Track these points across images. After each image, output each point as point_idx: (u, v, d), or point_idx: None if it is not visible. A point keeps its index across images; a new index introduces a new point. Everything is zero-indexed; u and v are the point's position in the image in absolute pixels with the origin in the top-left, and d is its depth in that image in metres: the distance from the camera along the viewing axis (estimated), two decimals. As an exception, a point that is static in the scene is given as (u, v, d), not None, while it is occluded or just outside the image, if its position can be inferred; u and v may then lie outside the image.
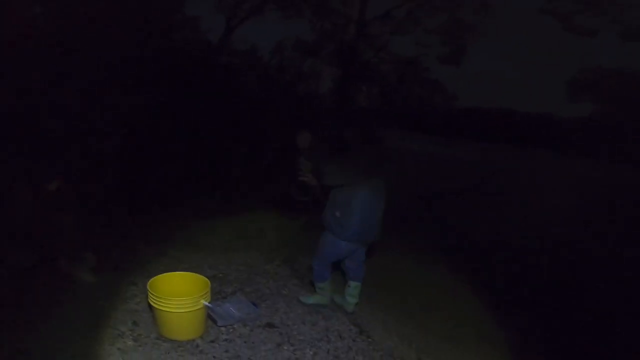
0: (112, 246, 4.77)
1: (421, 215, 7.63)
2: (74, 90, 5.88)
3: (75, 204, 4.36)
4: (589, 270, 5.98)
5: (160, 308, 3.10)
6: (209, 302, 3.34)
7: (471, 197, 8.86)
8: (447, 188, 9.04)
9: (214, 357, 3.10)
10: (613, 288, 5.38)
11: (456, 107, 10.62)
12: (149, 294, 3.19)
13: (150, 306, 3.26)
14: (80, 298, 3.62)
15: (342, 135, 4.13)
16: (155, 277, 3.42)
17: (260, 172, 8.50)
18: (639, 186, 8.73)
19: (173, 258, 4.86)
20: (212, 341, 3.30)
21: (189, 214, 6.48)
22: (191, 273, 3.67)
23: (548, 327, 4.46)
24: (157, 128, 7.33)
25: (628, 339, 4.28)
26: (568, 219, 7.85)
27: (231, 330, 3.51)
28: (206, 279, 3.55)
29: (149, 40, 7.66)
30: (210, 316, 3.52)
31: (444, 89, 9.97)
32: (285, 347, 3.39)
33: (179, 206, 6.69)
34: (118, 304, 3.59)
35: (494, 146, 11.45)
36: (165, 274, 3.55)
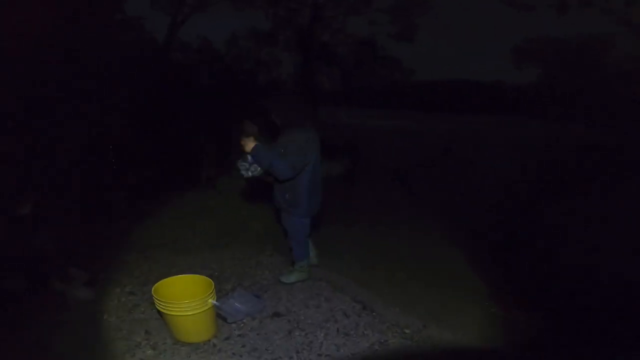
0: (96, 258, 4.60)
1: (398, 189, 7.91)
2: (19, 100, 5.49)
3: (50, 220, 4.16)
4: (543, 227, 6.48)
5: (172, 313, 3.08)
6: (215, 301, 3.35)
7: (441, 168, 9.27)
8: (416, 161, 9.40)
9: (233, 353, 3.14)
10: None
11: (414, 81, 10.98)
12: (156, 300, 3.15)
13: (160, 313, 3.23)
14: (84, 316, 3.51)
15: (271, 120, 4.17)
16: (157, 284, 3.37)
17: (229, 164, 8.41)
18: (585, 143, 9.53)
19: (161, 263, 4.78)
20: (227, 338, 3.34)
21: (166, 216, 6.35)
22: (192, 275, 3.65)
23: (526, 276, 4.84)
24: (119, 131, 7.02)
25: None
26: (526, 180, 8.44)
27: (242, 325, 3.55)
28: (208, 278, 3.55)
29: (92, 43, 7.23)
30: (219, 315, 3.53)
31: (401, 65, 10.26)
32: (297, 333, 3.49)
33: (153, 209, 6.52)
34: (124, 316, 3.52)
35: (454, 116, 12.03)
36: (166, 279, 3.51)
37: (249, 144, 3.87)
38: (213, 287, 3.39)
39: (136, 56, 7.76)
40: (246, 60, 9.16)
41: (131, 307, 3.69)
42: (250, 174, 4.02)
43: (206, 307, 3.19)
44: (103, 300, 3.75)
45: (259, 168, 3.97)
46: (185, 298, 3.28)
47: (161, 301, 3.13)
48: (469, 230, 6.12)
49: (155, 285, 3.34)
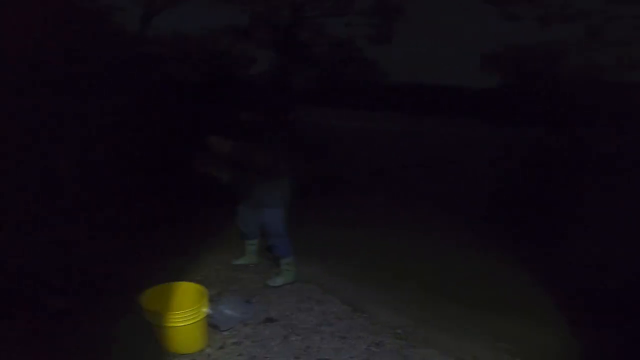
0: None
1: (378, 190, 7.98)
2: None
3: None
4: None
5: (166, 325, 2.92)
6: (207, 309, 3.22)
7: (416, 170, 9.47)
8: (392, 162, 9.56)
9: (231, 362, 3.03)
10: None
11: (388, 83, 11.17)
12: (146, 312, 2.97)
13: (149, 324, 3.04)
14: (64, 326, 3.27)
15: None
16: (144, 292, 3.18)
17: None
18: (546, 146, 10.09)
19: (142, 270, 4.52)
20: (222, 347, 3.22)
21: (136, 225, 5.97)
22: (181, 282, 3.48)
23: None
24: (88, 132, 6.59)
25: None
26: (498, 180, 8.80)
27: (235, 332, 3.44)
28: (199, 285, 3.41)
29: (60, 35, 6.76)
30: (209, 323, 3.39)
31: (376, 67, 10.37)
32: (293, 338, 3.42)
33: (124, 217, 6.14)
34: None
35: (425, 118, 12.38)
36: (154, 287, 3.31)
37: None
38: (206, 295, 3.26)
39: (106, 48, 7.33)
40: (221, 57, 8.92)
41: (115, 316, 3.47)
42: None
43: (200, 317, 3.06)
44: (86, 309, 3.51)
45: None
46: (176, 307, 3.13)
47: (150, 311, 2.96)
48: (454, 229, 6.28)
49: (143, 294, 3.15)
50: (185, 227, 5.89)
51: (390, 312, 3.98)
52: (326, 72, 9.68)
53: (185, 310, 2.96)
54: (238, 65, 9.09)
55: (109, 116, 6.63)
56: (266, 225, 4.40)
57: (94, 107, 6.44)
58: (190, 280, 3.99)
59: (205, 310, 3.12)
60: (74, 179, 5.67)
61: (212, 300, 3.87)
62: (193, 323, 3.01)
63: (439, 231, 6.24)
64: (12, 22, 5.49)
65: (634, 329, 3.64)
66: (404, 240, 5.78)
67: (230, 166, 4.21)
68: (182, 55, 9.04)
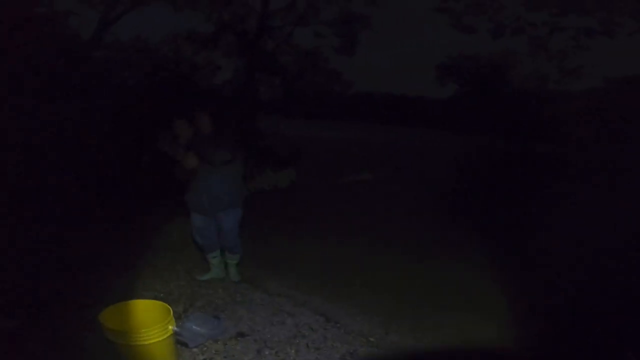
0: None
1: (346, 202, 7.99)
2: None
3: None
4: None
5: (130, 343, 2.71)
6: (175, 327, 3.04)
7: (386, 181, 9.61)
8: (358, 174, 9.66)
9: (202, 381, 2.86)
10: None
11: (351, 93, 11.36)
12: (106, 330, 2.75)
13: (109, 344, 2.81)
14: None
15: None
16: (104, 311, 2.95)
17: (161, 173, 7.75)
18: (504, 155, 10.61)
19: (97, 285, 4.22)
20: (192, 365, 3.04)
21: (92, 235, 5.59)
22: (143, 300, 3.28)
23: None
24: (37, 138, 6.14)
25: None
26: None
27: (204, 349, 3.27)
28: (162, 303, 3.22)
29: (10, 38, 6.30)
30: (178, 341, 3.20)
31: (341, 78, 10.52)
32: (267, 352, 3.31)
33: (77, 227, 5.73)
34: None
35: (388, 128, 12.65)
36: (113, 305, 3.08)
37: (189, 160, 4.08)
38: (171, 312, 3.08)
39: (56, 53, 6.90)
40: (183, 63, 8.68)
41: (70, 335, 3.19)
42: None
43: (167, 334, 2.87)
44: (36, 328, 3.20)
45: None
46: (139, 325, 2.93)
47: (114, 330, 2.74)
48: (415, 235, 6.39)
49: (103, 312, 2.92)
50: (141, 241, 5.58)
51: (362, 321, 3.96)
52: (292, 81, 9.70)
53: (152, 327, 2.77)
54: (202, 73, 8.90)
55: (64, 123, 6.23)
56: (226, 227, 4.44)
57: (46, 113, 6.03)
58: (152, 298, 3.80)
59: (171, 327, 2.94)
60: (21, 190, 5.24)
61: (178, 317, 3.69)
62: (161, 340, 2.82)
63: (406, 238, 6.32)
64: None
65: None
66: (371, 250, 5.81)
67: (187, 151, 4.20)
68: (141, 62, 8.71)
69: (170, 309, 3.12)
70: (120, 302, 3.12)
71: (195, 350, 3.22)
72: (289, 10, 8.63)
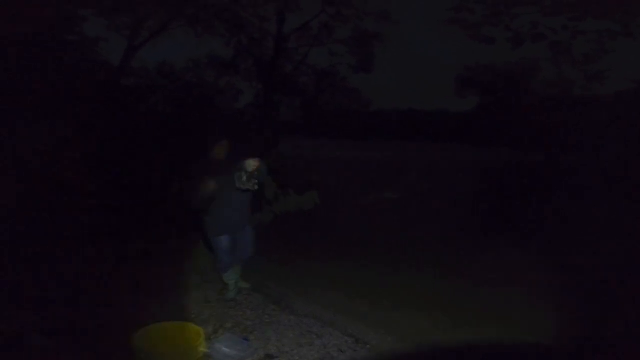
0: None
1: (370, 222, 7.92)
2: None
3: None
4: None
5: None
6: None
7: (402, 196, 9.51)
8: (379, 190, 9.61)
9: (232, 405, 2.84)
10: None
11: (372, 111, 11.40)
12: (141, 352, 2.78)
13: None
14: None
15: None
16: (138, 333, 2.99)
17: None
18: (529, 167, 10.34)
19: (132, 308, 4.28)
20: (222, 388, 3.02)
21: (128, 260, 5.71)
22: (176, 322, 3.31)
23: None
24: (66, 166, 6.38)
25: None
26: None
27: (234, 371, 3.25)
28: (193, 324, 3.25)
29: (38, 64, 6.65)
30: (208, 363, 3.20)
31: (360, 96, 10.58)
32: (296, 374, 3.26)
33: (113, 252, 5.88)
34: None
35: (411, 144, 12.55)
36: (147, 327, 3.12)
37: (253, 163, 4.19)
38: (202, 334, 3.09)
39: (88, 78, 7.24)
40: (206, 88, 8.96)
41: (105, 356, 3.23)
42: (249, 186, 4.22)
43: (198, 356, 2.88)
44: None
45: (256, 184, 4.24)
46: (171, 347, 2.95)
47: (147, 352, 2.77)
48: (444, 254, 6.26)
49: (135, 334, 2.96)
50: (171, 264, 5.66)
51: (393, 342, 3.87)
52: (311, 101, 9.85)
53: (183, 350, 2.79)
54: (225, 97, 9.16)
55: (92, 147, 6.47)
56: (249, 239, 4.64)
57: (76, 134, 6.28)
58: (183, 320, 3.82)
59: (203, 349, 2.96)
60: (58, 215, 5.44)
61: (208, 339, 3.70)
62: (193, 363, 2.84)
63: (433, 257, 6.20)
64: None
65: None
66: (398, 269, 5.72)
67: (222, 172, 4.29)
68: (167, 87, 9.04)
69: (201, 331, 3.14)
70: (153, 325, 3.17)
71: (225, 372, 3.20)
72: (303, 32, 8.84)
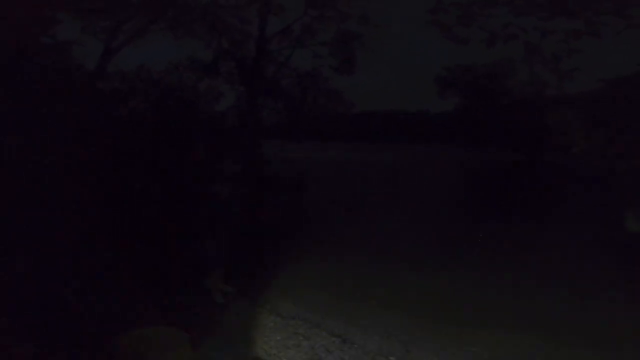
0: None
1: (357, 223, 7.93)
2: None
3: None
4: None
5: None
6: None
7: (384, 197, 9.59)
8: (363, 191, 9.66)
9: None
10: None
11: (355, 113, 11.53)
12: (126, 357, 2.73)
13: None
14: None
15: None
16: (123, 338, 2.93)
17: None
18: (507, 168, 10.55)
19: (114, 314, 4.16)
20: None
21: (110, 264, 5.56)
22: (161, 327, 3.25)
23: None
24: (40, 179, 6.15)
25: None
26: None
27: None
28: (178, 329, 3.20)
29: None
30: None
31: (343, 98, 10.64)
32: (284, 377, 3.25)
33: (93, 256, 5.71)
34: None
35: (392, 145, 12.70)
36: (131, 333, 3.06)
37: None
38: (187, 339, 3.06)
39: (61, 82, 7.02)
40: (185, 92, 8.84)
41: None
42: None
43: None
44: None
45: None
46: (157, 352, 2.90)
47: (132, 357, 2.72)
48: (430, 252, 6.31)
49: (120, 339, 2.90)
50: (157, 269, 5.56)
51: (380, 340, 3.89)
52: (294, 104, 9.86)
53: (169, 354, 2.75)
54: (205, 100, 9.07)
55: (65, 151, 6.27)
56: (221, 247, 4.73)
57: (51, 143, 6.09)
58: (169, 325, 3.75)
59: (188, 353, 2.91)
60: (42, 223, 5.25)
61: (194, 343, 3.65)
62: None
63: (420, 256, 6.26)
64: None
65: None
66: (385, 269, 5.75)
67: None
68: (145, 91, 8.87)
69: (187, 336, 3.10)
70: (137, 330, 3.11)
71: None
72: (285, 34, 8.84)
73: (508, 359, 3.58)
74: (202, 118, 9.40)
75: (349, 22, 9.09)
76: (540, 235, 7.04)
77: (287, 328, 4.10)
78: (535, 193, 8.82)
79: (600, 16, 7.26)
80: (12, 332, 3.26)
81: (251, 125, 9.61)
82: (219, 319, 4.27)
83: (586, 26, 7.49)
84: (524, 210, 8.14)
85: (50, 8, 7.58)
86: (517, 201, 8.58)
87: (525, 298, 4.72)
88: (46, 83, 7.07)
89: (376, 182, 10.30)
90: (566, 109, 8.96)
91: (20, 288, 4.09)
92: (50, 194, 5.84)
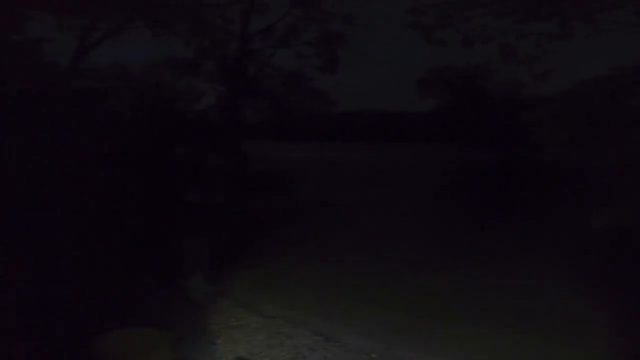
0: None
1: (339, 222, 7.94)
2: None
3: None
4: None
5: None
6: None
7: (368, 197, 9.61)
8: (346, 191, 9.67)
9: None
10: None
11: (338, 112, 11.55)
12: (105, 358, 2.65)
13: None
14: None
15: None
16: (102, 339, 2.85)
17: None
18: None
19: (95, 315, 4.04)
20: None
21: (95, 266, 5.40)
22: (141, 328, 3.18)
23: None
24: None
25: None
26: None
27: (203, 376, 3.16)
28: (158, 330, 3.14)
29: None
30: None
31: (326, 97, 10.61)
32: (268, 376, 3.22)
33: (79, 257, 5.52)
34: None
35: (375, 145, 12.81)
36: (111, 333, 2.98)
37: None
38: (167, 339, 3.00)
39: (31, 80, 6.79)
40: (165, 91, 8.68)
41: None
42: None
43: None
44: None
45: None
46: (137, 354, 2.84)
47: (111, 358, 2.65)
48: (412, 250, 6.36)
49: (100, 340, 2.83)
50: (138, 270, 5.44)
51: (362, 338, 3.91)
52: (276, 103, 9.82)
53: (148, 355, 2.69)
54: (184, 99, 8.94)
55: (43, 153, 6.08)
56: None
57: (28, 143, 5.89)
58: (149, 326, 3.68)
59: (168, 354, 2.86)
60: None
61: (174, 344, 3.58)
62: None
63: (402, 254, 6.30)
64: None
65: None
66: (367, 267, 5.77)
67: None
68: (121, 89, 8.69)
69: (166, 336, 3.04)
70: (116, 331, 3.04)
71: (193, 378, 3.12)
72: (268, 33, 8.79)
73: (483, 354, 3.65)
74: (181, 117, 9.27)
75: (334, 23, 9.11)
76: (514, 232, 7.18)
77: (270, 327, 4.08)
78: (509, 191, 9.03)
79: (572, 20, 7.52)
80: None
81: (233, 124, 9.52)
82: (201, 319, 4.20)
83: (559, 29, 7.74)
84: (499, 207, 8.32)
85: (22, 4, 7.34)
86: (494, 198, 8.78)
87: (508, 296, 4.79)
88: (16, 81, 6.84)
89: (360, 182, 10.36)
90: (538, 109, 9.22)
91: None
92: (23, 192, 5.65)
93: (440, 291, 4.90)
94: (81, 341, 3.15)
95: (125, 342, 2.95)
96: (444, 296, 4.77)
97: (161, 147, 8.27)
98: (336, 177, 10.51)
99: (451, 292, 4.88)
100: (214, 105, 9.26)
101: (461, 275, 5.33)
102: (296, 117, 10.35)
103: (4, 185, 5.48)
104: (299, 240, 6.94)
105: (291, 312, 4.44)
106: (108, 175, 7.24)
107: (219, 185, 4.43)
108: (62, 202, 5.76)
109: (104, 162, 7.42)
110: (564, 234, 6.67)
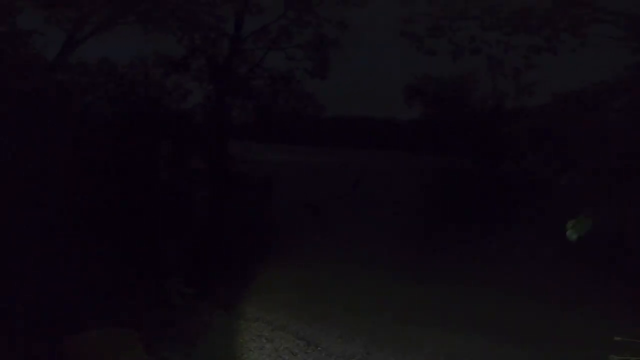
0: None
1: (322, 226, 7.91)
2: None
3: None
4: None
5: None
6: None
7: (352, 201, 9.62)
8: (330, 195, 9.66)
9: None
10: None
11: (324, 117, 11.54)
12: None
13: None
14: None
15: None
16: (72, 339, 2.74)
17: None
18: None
19: (65, 315, 3.90)
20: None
21: (67, 264, 5.23)
22: (112, 328, 3.07)
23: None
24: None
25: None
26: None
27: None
28: (131, 330, 3.03)
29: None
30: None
31: (314, 101, 10.60)
32: (246, 379, 3.15)
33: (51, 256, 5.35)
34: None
35: (360, 151, 12.89)
36: (82, 333, 2.87)
37: None
38: (140, 340, 2.90)
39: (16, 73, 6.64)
40: (152, 88, 8.57)
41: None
42: None
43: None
44: None
45: None
46: (108, 355, 2.73)
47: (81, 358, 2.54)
48: (392, 256, 6.36)
49: (70, 340, 2.71)
50: (112, 269, 5.29)
51: (343, 343, 3.86)
52: (264, 105, 9.77)
53: (120, 356, 2.59)
54: (171, 97, 8.82)
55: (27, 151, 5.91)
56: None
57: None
58: (123, 326, 3.56)
59: (141, 356, 2.76)
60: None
61: (150, 346, 3.48)
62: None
63: (383, 260, 6.29)
64: None
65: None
66: (349, 272, 5.73)
67: None
68: (106, 85, 8.55)
69: (138, 336, 2.95)
70: (89, 331, 2.92)
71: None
72: (261, 34, 8.77)
73: (464, 358, 3.64)
74: (166, 116, 9.16)
75: (326, 27, 9.15)
76: (496, 240, 7.25)
77: (250, 330, 4.00)
78: (485, 201, 9.14)
79: (558, 33, 7.68)
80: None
81: (219, 125, 9.44)
82: (178, 322, 4.10)
83: (545, 42, 7.90)
84: (483, 215, 8.41)
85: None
86: (477, 207, 8.86)
87: (489, 302, 4.80)
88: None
89: (344, 187, 10.36)
90: (520, 121, 9.39)
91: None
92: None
93: (421, 297, 4.90)
94: (52, 340, 3.04)
95: (98, 342, 2.84)
96: (425, 301, 4.78)
97: (142, 145, 8.11)
98: (320, 182, 10.50)
99: (432, 297, 4.88)
100: (200, 104, 9.19)
101: (442, 280, 5.34)
102: (284, 120, 10.33)
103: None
104: (281, 244, 6.88)
105: (272, 315, 4.37)
106: (85, 172, 7.08)
107: (201, 185, 4.33)
108: (37, 199, 5.60)
109: (81, 159, 7.26)
110: (543, 243, 6.75)
